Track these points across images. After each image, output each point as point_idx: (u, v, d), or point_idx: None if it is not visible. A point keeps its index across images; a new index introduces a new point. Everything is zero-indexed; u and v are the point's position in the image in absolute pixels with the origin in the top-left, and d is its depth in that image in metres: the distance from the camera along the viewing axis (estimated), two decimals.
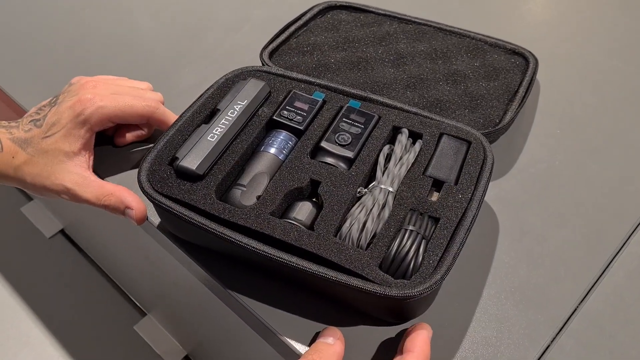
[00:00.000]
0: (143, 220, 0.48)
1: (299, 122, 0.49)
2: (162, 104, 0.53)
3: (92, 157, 0.51)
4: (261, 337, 0.46)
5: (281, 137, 0.48)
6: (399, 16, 0.66)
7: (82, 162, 0.49)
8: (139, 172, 0.45)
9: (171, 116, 0.52)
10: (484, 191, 0.44)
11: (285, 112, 0.49)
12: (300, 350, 0.42)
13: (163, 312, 0.99)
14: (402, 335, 0.43)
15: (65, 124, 0.48)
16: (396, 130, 0.49)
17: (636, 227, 0.49)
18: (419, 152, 0.47)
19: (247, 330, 0.47)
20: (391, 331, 0.43)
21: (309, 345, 0.42)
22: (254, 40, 0.65)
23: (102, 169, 0.53)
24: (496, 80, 0.58)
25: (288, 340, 0.43)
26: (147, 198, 0.44)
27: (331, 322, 0.43)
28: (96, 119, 0.48)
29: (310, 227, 0.43)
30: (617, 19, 0.73)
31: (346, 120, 0.49)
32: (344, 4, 0.67)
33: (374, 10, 0.67)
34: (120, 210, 0.47)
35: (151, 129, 0.56)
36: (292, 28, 0.64)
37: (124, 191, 0.47)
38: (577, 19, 0.74)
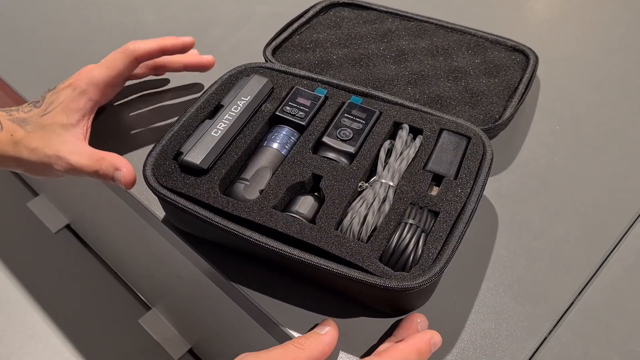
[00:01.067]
0: (131, 183, 0.48)
1: (301, 118, 0.49)
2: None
3: (89, 131, 0.52)
4: (263, 328, 0.47)
5: (284, 133, 0.49)
6: (401, 13, 0.66)
7: (78, 134, 0.50)
8: (144, 167, 0.45)
9: (150, 42, 0.54)
10: (483, 186, 0.45)
11: (287, 107, 0.50)
12: None
13: (167, 305, 1.00)
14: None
15: (64, 99, 0.50)
16: (397, 126, 0.50)
17: (633, 222, 0.50)
18: (420, 147, 0.48)
19: (250, 322, 0.48)
20: (391, 323, 0.44)
21: None
22: (258, 37, 0.66)
23: None
24: (496, 77, 0.59)
25: (290, 331, 0.43)
26: (152, 192, 0.44)
27: (332, 314, 0.44)
28: (92, 87, 0.51)
29: (312, 220, 0.43)
30: (618, 17, 0.73)
31: (348, 115, 0.50)
32: (347, 1, 0.68)
33: (376, 7, 0.67)
34: (111, 175, 0.48)
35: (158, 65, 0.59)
36: (295, 25, 0.64)
37: (114, 156, 0.49)
38: (578, 16, 0.74)
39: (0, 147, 0.49)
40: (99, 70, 0.52)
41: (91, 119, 0.52)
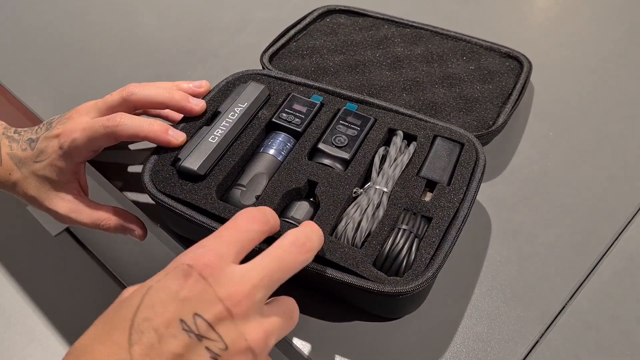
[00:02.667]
0: (145, 236, 0.50)
1: (297, 125, 0.50)
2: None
3: (83, 180, 0.51)
4: None
5: (280, 139, 0.50)
6: (397, 20, 0.67)
7: (72, 189, 0.50)
8: (142, 173, 0.46)
9: (137, 126, 0.47)
10: (476, 192, 0.46)
11: (284, 114, 0.51)
12: (298, 346, 0.44)
13: None
14: (395, 330, 0.44)
15: (50, 154, 0.48)
16: (391, 133, 0.50)
17: (624, 227, 0.51)
18: (413, 153, 0.48)
19: None
20: (385, 327, 0.44)
21: (307, 340, 0.44)
22: (257, 42, 0.66)
23: (106, 171, 0.55)
24: (490, 83, 0.59)
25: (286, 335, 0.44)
26: (150, 197, 0.45)
27: (327, 318, 0.44)
28: (74, 152, 0.47)
29: None
30: (611, 24, 0.74)
31: (343, 122, 0.50)
32: (343, 8, 0.69)
33: (372, 14, 0.68)
34: (121, 231, 0.50)
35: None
36: (292, 32, 0.65)
37: (119, 213, 0.50)
38: (572, 23, 0.75)
39: (0, 183, 0.50)
40: (80, 136, 0.47)
41: (82, 171, 0.51)
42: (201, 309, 0.30)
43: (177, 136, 0.48)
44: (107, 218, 0.49)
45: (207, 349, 0.30)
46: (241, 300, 0.31)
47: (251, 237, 0.35)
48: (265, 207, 0.37)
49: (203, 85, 0.53)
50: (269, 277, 0.33)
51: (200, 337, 0.30)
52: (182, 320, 0.30)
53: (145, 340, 0.29)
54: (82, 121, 0.48)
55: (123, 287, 1.11)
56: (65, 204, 0.49)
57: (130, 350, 0.29)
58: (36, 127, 0.51)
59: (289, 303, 0.36)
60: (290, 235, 0.35)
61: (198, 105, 0.50)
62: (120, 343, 0.29)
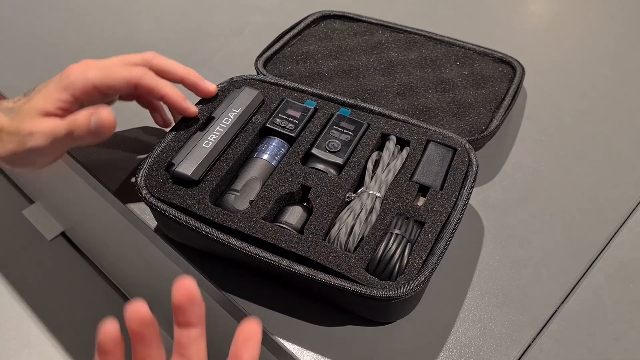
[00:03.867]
0: (112, 121, 0.46)
1: (291, 130, 0.50)
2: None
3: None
4: None
5: (274, 144, 0.50)
6: (391, 25, 0.68)
7: (52, 121, 0.46)
8: (136, 178, 0.46)
9: (161, 82, 0.49)
10: (468, 196, 0.46)
11: (278, 119, 0.51)
12: (291, 350, 0.44)
13: (162, 313, 1.00)
14: (389, 334, 0.44)
15: (48, 87, 0.47)
16: (384, 138, 0.51)
17: (616, 232, 0.51)
18: (406, 158, 0.49)
19: None
20: (378, 331, 0.45)
21: (300, 345, 0.44)
22: (252, 47, 0.67)
23: (100, 175, 0.55)
24: (484, 88, 0.60)
25: (280, 340, 0.44)
26: (144, 202, 0.45)
27: (321, 322, 0.45)
28: (80, 85, 0.46)
29: (301, 230, 0.44)
30: (603, 29, 0.75)
31: (336, 127, 0.51)
32: (338, 13, 0.69)
33: (366, 19, 0.69)
34: (87, 123, 0.45)
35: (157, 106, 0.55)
36: (287, 37, 0.65)
37: (86, 110, 0.46)
38: (564, 28, 0.75)
39: None
40: (94, 73, 0.47)
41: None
42: None
43: (192, 107, 0.49)
44: (74, 118, 0.45)
45: None
46: None
47: None
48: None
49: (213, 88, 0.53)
50: None
51: None
52: None
53: None
54: (95, 62, 0.48)
55: (119, 291, 1.11)
56: (42, 124, 0.45)
57: None
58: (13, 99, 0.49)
59: None
60: None
61: (212, 86, 0.50)
62: None
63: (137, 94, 0.52)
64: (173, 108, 0.50)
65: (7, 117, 0.47)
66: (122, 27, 0.75)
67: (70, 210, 1.04)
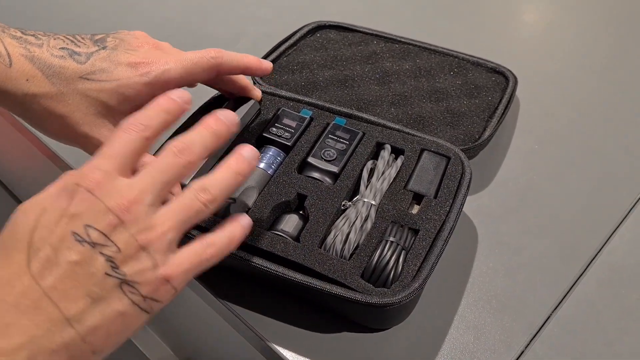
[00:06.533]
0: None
1: (287, 139, 0.51)
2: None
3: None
4: (250, 343, 0.48)
5: (270, 153, 0.51)
6: (386, 36, 0.68)
7: (114, 124, 0.43)
8: None
9: (238, 56, 0.47)
10: (462, 204, 0.47)
11: (274, 129, 0.52)
12: (287, 357, 0.44)
13: (158, 320, 1.00)
14: (384, 341, 0.45)
15: (121, 78, 0.43)
16: (379, 146, 0.51)
17: (608, 238, 0.52)
18: (401, 167, 0.49)
19: (237, 337, 0.49)
20: (373, 338, 0.45)
21: (296, 351, 0.44)
22: None
23: None
24: (477, 98, 0.61)
25: (275, 346, 0.45)
26: None
27: (316, 329, 0.45)
28: (162, 82, 0.43)
29: (297, 238, 0.45)
30: (597, 39, 0.76)
31: (332, 136, 0.51)
32: (333, 23, 0.70)
33: (361, 30, 0.69)
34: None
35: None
36: (283, 47, 0.66)
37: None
38: (557, 38, 0.77)
39: (5, 85, 0.40)
40: (175, 70, 0.44)
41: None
42: (92, 221, 0.31)
43: (267, 62, 0.50)
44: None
45: (102, 254, 0.31)
46: (130, 207, 0.32)
47: (133, 148, 0.34)
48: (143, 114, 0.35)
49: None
50: (153, 181, 0.33)
51: (93, 244, 0.31)
52: (74, 233, 0.31)
53: (42, 255, 0.30)
54: (168, 52, 0.45)
55: None
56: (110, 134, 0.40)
57: (29, 266, 0.30)
58: (72, 37, 0.45)
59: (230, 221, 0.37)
60: (169, 144, 0.35)
61: (268, 62, 0.50)
62: (19, 262, 0.30)
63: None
64: (253, 73, 0.50)
65: (50, 82, 0.41)
66: None
67: None
